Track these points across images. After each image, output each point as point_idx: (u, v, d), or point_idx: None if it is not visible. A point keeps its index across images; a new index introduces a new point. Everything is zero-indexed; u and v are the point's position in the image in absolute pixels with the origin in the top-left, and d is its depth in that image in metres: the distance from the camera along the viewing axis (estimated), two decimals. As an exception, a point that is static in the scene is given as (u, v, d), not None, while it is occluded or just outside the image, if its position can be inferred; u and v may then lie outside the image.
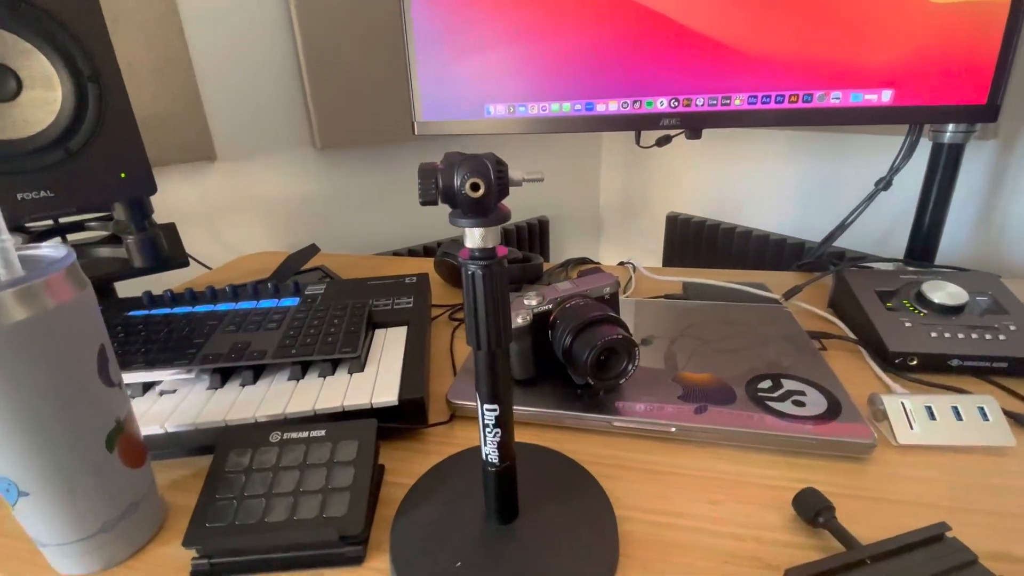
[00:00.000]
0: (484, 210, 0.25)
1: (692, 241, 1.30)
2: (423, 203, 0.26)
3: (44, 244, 0.32)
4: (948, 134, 0.65)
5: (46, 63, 0.54)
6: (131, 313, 0.54)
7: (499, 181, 0.24)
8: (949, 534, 0.32)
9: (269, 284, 0.60)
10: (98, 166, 0.57)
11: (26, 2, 0.52)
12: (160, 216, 0.69)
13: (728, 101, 0.61)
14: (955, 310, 0.53)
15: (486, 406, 0.30)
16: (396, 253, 1.19)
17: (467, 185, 0.23)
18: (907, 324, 0.53)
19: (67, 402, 0.29)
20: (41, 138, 0.54)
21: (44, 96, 0.54)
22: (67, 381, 0.29)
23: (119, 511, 0.33)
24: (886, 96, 0.58)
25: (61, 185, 0.56)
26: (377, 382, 0.44)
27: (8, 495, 0.30)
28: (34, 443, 0.29)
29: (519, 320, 0.46)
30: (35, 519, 0.31)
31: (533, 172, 0.26)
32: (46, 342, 0.28)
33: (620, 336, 0.42)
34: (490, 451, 0.31)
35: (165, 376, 0.45)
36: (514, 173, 0.25)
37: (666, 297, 0.68)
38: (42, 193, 0.55)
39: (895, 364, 0.51)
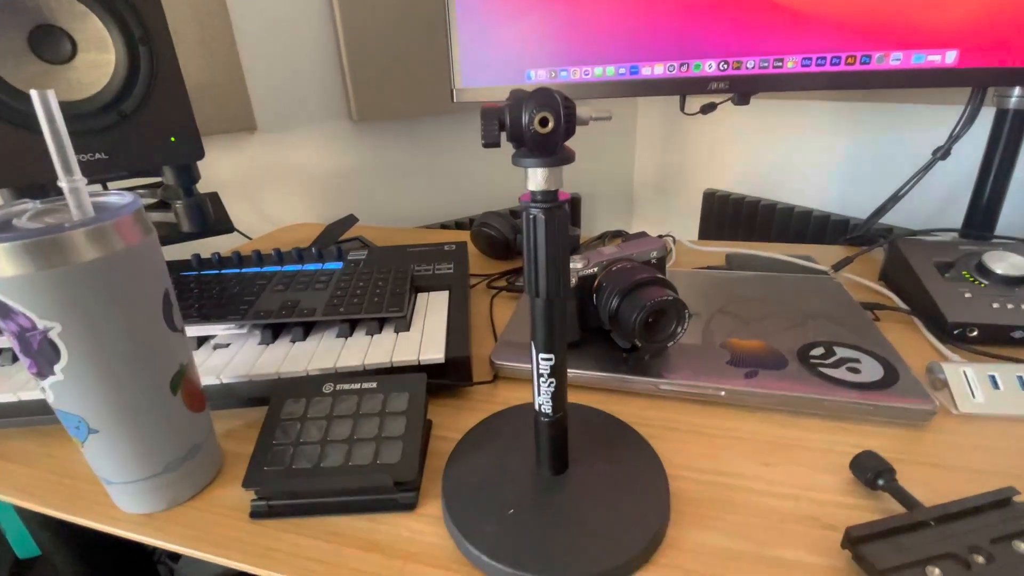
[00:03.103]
0: (551, 148, 0.24)
1: (730, 218, 1.27)
2: (486, 145, 0.25)
3: (111, 191, 0.32)
4: (1014, 99, 0.61)
5: (99, 25, 0.55)
6: (182, 273, 0.56)
7: (567, 117, 0.24)
8: (1017, 499, 0.31)
9: (313, 249, 0.61)
10: (149, 129, 0.58)
11: (81, -35, 0.53)
12: (202, 186, 0.70)
13: (780, 63, 0.58)
14: (1019, 281, 0.51)
15: (542, 355, 0.30)
16: (430, 227, 1.19)
17: (536, 120, 0.23)
18: (967, 295, 0.51)
19: (136, 342, 0.30)
20: (96, 100, 0.55)
21: (98, 58, 0.55)
22: (136, 322, 0.30)
23: (182, 452, 0.34)
24: (950, 57, 0.55)
25: (114, 147, 0.57)
26: (423, 341, 0.45)
27: (79, 432, 0.31)
28: (105, 381, 0.30)
29: (565, 282, 0.46)
30: (103, 457, 0.32)
31: (601, 111, 0.25)
32: (116, 282, 0.29)
33: (670, 297, 0.42)
34: (543, 401, 0.31)
35: (219, 330, 0.46)
36: (581, 110, 0.25)
37: (709, 268, 0.67)
38: (97, 155, 0.56)
39: (953, 335, 0.49)
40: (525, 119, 0.23)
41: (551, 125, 0.23)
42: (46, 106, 0.27)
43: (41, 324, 0.27)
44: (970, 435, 0.38)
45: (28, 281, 0.26)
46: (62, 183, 0.28)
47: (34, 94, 0.26)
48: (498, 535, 0.30)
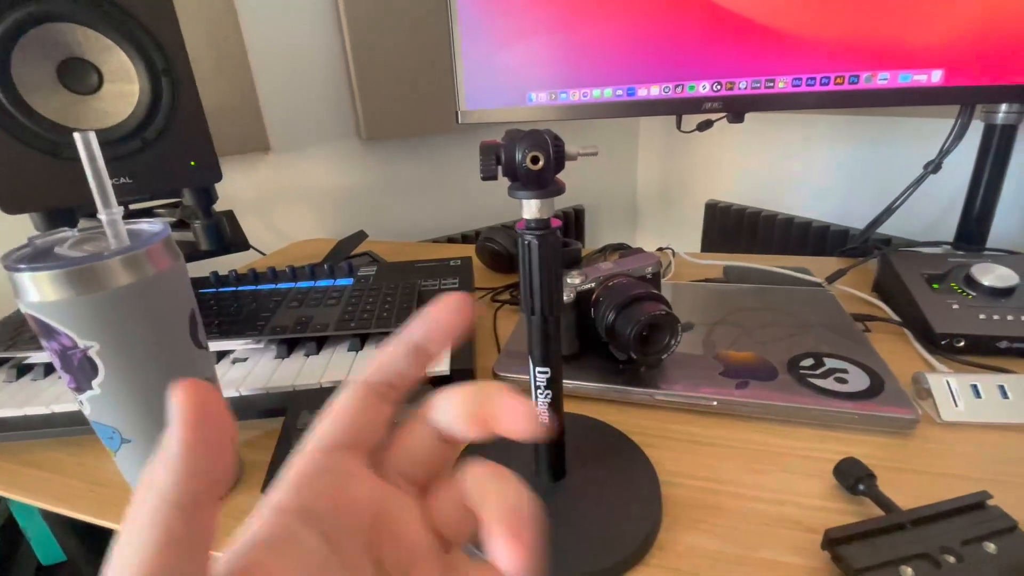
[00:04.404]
0: (542, 182, 0.27)
1: (732, 229, 1.29)
2: (484, 178, 0.28)
3: (142, 220, 0.35)
4: (1001, 115, 0.63)
5: (124, 58, 0.58)
6: (202, 291, 0.59)
7: (556, 154, 0.26)
8: (990, 502, 0.32)
9: (325, 266, 0.64)
10: (170, 155, 0.61)
11: (107, 1, 0.56)
12: (218, 204, 0.73)
13: (772, 84, 0.61)
14: (1005, 292, 0.53)
15: (538, 369, 0.32)
16: (436, 241, 1.22)
17: (528, 158, 0.25)
18: (955, 306, 0.53)
19: (166, 359, 0.33)
20: (121, 128, 0.59)
21: (123, 89, 0.59)
22: (166, 340, 0.33)
23: (206, 461, 0.36)
24: (936, 76, 0.57)
25: (137, 172, 0.60)
26: (430, 354, 0.47)
27: (112, 442, 0.34)
28: (138, 395, 0.32)
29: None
30: (135, 464, 0.35)
31: (587, 147, 0.28)
32: (148, 304, 0.31)
33: (663, 312, 0.44)
34: (541, 411, 0.33)
35: (237, 346, 0.49)
36: (569, 148, 0.27)
37: (706, 281, 0.69)
38: (121, 180, 0.59)
39: (941, 346, 0.51)
40: (519, 157, 0.26)
41: (542, 163, 0.25)
42: (88, 146, 0.30)
43: (81, 343, 0.30)
44: (951, 443, 0.40)
45: (70, 305, 0.29)
46: (101, 215, 0.31)
47: (77, 137, 0.29)
48: (499, 537, 0.32)
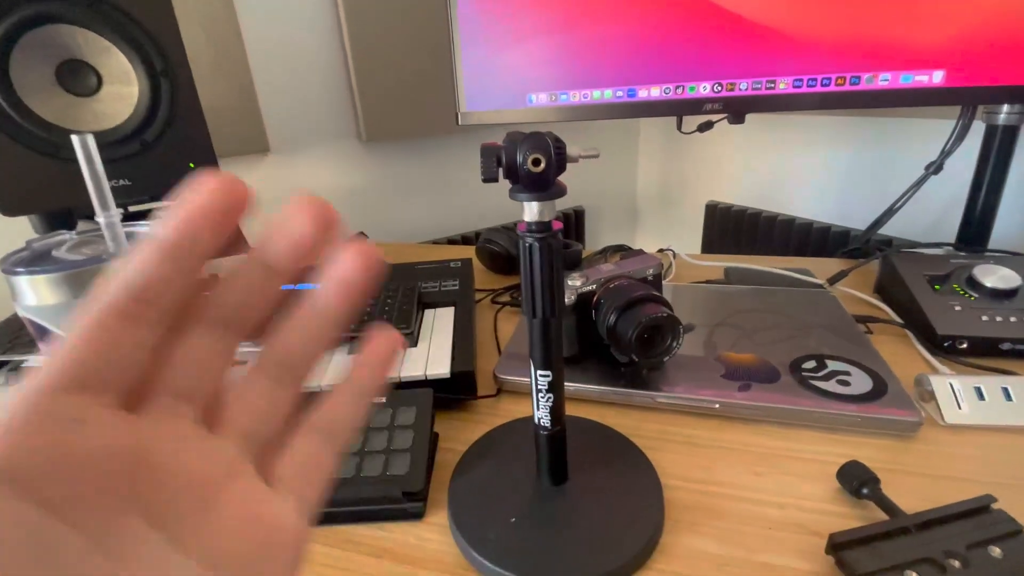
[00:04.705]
0: (544, 184, 0.26)
1: (732, 230, 1.29)
2: (485, 180, 0.28)
3: (139, 223, 0.35)
4: (1003, 115, 0.63)
5: (123, 60, 0.58)
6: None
7: (558, 156, 0.26)
8: (995, 506, 0.32)
9: (324, 267, 0.63)
10: (170, 156, 0.61)
11: (106, 2, 0.56)
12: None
13: (772, 85, 0.61)
14: (1008, 294, 0.53)
15: (539, 372, 0.32)
16: (436, 242, 1.22)
17: (529, 160, 0.25)
18: (957, 308, 0.53)
19: (164, 362, 0.32)
20: (120, 130, 0.58)
21: (122, 91, 0.59)
22: (164, 343, 0.32)
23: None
24: (937, 77, 0.57)
25: (137, 174, 0.60)
26: (430, 356, 0.47)
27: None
28: (136, 398, 0.32)
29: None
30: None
31: (589, 149, 0.28)
32: (146, 308, 0.31)
33: (664, 314, 0.44)
34: (542, 415, 0.33)
35: (236, 348, 0.49)
36: (571, 150, 0.27)
37: (707, 282, 0.68)
38: (120, 182, 0.59)
39: (944, 348, 0.51)
40: (520, 159, 0.26)
41: (543, 165, 0.25)
42: (86, 149, 0.29)
43: (79, 347, 0.30)
44: (955, 445, 0.40)
45: (67, 308, 0.29)
46: (99, 218, 0.30)
47: (75, 139, 0.29)
48: (501, 542, 0.32)
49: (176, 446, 0.14)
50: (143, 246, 0.14)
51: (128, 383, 0.14)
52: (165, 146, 0.60)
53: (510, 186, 0.28)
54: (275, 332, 0.17)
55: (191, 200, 0.14)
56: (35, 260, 0.30)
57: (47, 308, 0.29)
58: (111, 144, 0.59)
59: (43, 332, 0.29)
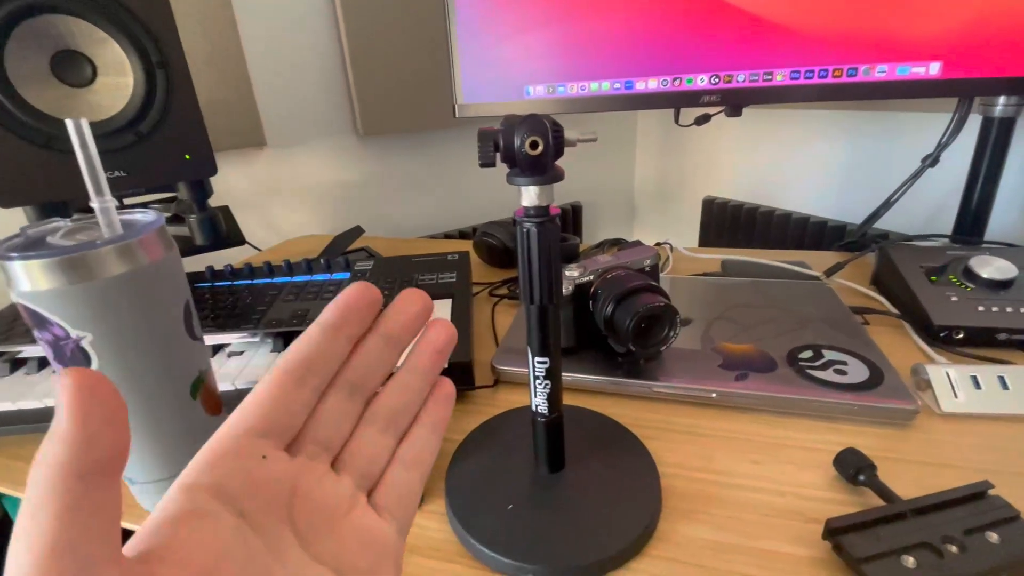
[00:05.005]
0: (541, 168, 0.26)
1: (729, 225, 1.29)
2: (482, 165, 0.28)
3: (135, 210, 0.35)
4: (999, 107, 0.63)
5: (119, 50, 0.57)
6: (197, 285, 0.58)
7: (556, 140, 0.26)
8: (992, 492, 0.32)
9: (321, 260, 0.63)
10: (165, 148, 0.61)
11: (101, -6, 0.55)
12: (213, 200, 0.73)
13: (770, 77, 0.61)
14: (1004, 284, 0.53)
15: (537, 359, 0.32)
16: (433, 237, 1.22)
17: (527, 143, 0.25)
18: (953, 298, 0.53)
19: (160, 350, 0.32)
20: (115, 122, 0.58)
21: (117, 82, 0.58)
22: (159, 331, 0.32)
23: (201, 453, 0.36)
24: (934, 69, 0.57)
25: (132, 166, 0.60)
26: (427, 347, 0.47)
27: (106, 435, 0.34)
28: (131, 386, 0.32)
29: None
30: (129, 457, 0.34)
31: (586, 132, 0.27)
32: (141, 295, 0.31)
33: (661, 303, 0.44)
34: (540, 402, 0.33)
35: (233, 339, 0.49)
36: (569, 133, 0.27)
37: (705, 275, 0.69)
38: (115, 173, 0.59)
39: (940, 338, 0.51)
40: (517, 142, 0.25)
41: (541, 148, 0.25)
42: (80, 133, 0.29)
43: (74, 333, 0.30)
44: (951, 433, 0.40)
45: (62, 294, 0.29)
46: (94, 203, 0.30)
47: (69, 123, 0.29)
48: (498, 529, 0.32)
49: (316, 482, 0.19)
50: (311, 328, 0.20)
51: (293, 432, 0.19)
52: (160, 138, 0.60)
53: (508, 171, 0.28)
54: (382, 391, 0.22)
55: (345, 296, 0.20)
56: (30, 246, 0.30)
57: (41, 294, 0.28)
58: (106, 135, 0.58)
59: (37, 318, 0.29)
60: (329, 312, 0.20)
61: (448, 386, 0.24)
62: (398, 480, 0.21)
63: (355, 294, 0.20)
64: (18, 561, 0.12)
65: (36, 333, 0.30)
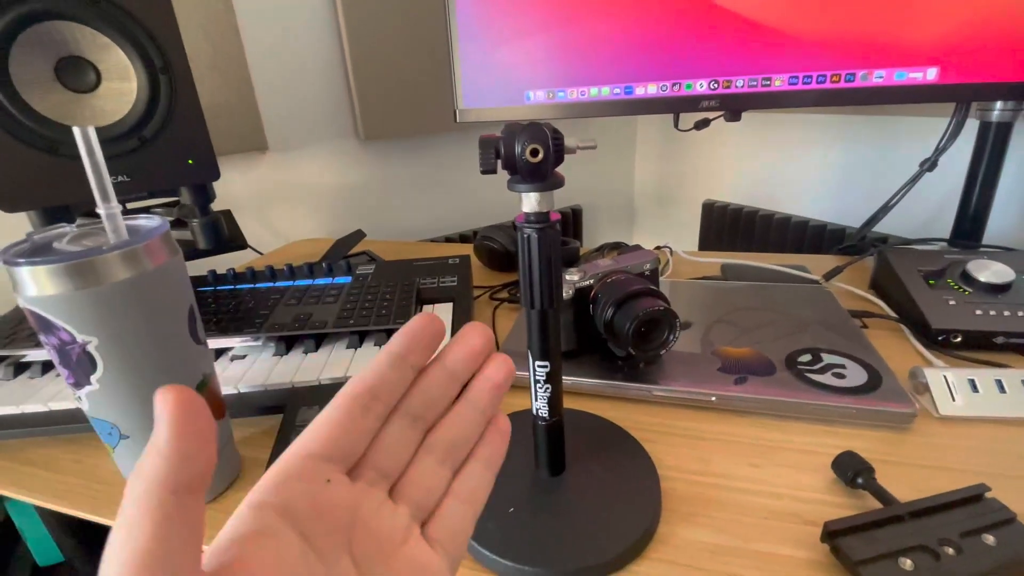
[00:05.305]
0: (542, 175, 0.27)
1: (729, 228, 1.30)
2: (483, 172, 0.28)
3: (140, 216, 0.35)
4: (996, 112, 0.64)
5: (122, 56, 0.58)
6: (200, 289, 0.58)
7: (556, 147, 0.26)
8: (988, 494, 0.32)
9: (323, 264, 0.64)
10: (168, 153, 0.61)
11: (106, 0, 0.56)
12: (216, 204, 0.73)
13: (768, 82, 0.61)
14: (1001, 288, 0.53)
15: (537, 363, 0.32)
16: (434, 240, 1.22)
17: (527, 151, 0.25)
18: (951, 302, 0.53)
19: (164, 354, 0.33)
20: (118, 127, 0.59)
21: (121, 87, 0.59)
22: (164, 335, 0.32)
23: (204, 457, 0.36)
24: (931, 74, 0.57)
25: (135, 170, 0.60)
26: (428, 351, 0.47)
27: (111, 438, 0.34)
28: (136, 390, 0.32)
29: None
30: (133, 460, 0.35)
31: (586, 139, 0.28)
32: (146, 299, 0.31)
33: (661, 307, 0.44)
34: (540, 406, 0.33)
35: (236, 343, 0.49)
36: (568, 140, 0.27)
37: (704, 279, 0.69)
38: (119, 178, 0.59)
39: (938, 341, 0.51)
40: (518, 150, 0.26)
41: (541, 155, 0.25)
42: (87, 140, 0.29)
43: (80, 338, 0.30)
44: (949, 436, 0.40)
45: (68, 299, 0.29)
46: (100, 209, 0.31)
47: (76, 130, 0.29)
48: (499, 532, 0.32)
49: (375, 510, 0.19)
50: (380, 356, 0.20)
51: (355, 458, 0.19)
52: (164, 142, 0.61)
53: (508, 178, 0.28)
54: (441, 422, 0.22)
55: (411, 327, 0.20)
56: (36, 252, 0.31)
57: (47, 299, 0.29)
58: (109, 140, 0.59)
59: (44, 323, 0.30)
60: (396, 341, 0.20)
61: (504, 423, 0.24)
62: (452, 514, 0.21)
63: (420, 325, 0.21)
64: (115, 569, 0.13)
65: (42, 338, 0.31)
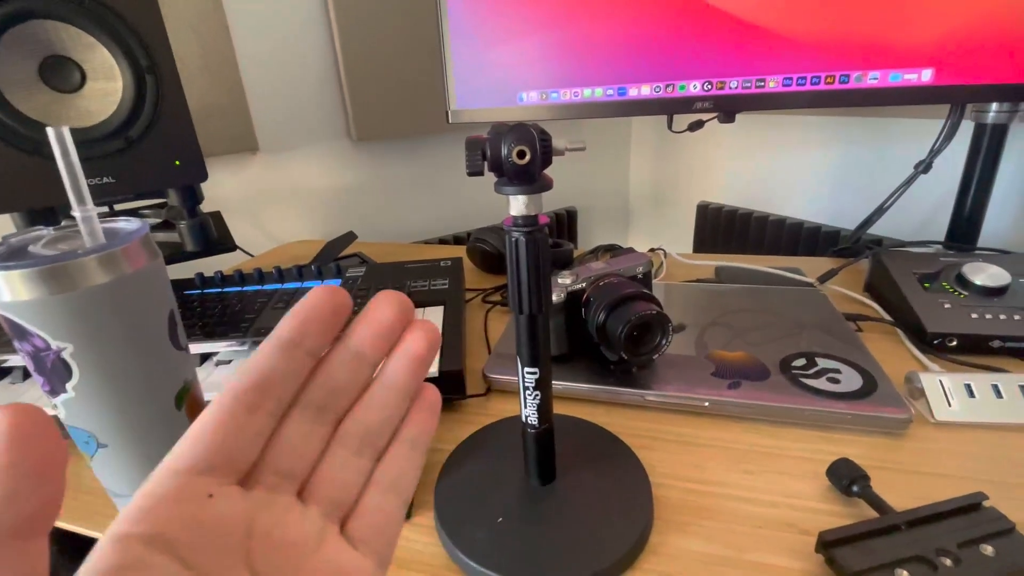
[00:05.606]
0: (529, 177, 0.26)
1: (723, 230, 1.29)
2: (470, 174, 0.27)
3: (119, 218, 0.34)
4: (991, 114, 0.63)
5: (108, 56, 0.57)
6: (186, 292, 0.57)
7: (543, 149, 0.25)
8: (986, 503, 0.32)
9: (312, 267, 0.63)
10: (155, 154, 0.60)
11: (90, -1, 0.55)
12: (205, 205, 0.72)
13: (762, 84, 0.61)
14: (997, 292, 0.53)
15: (527, 369, 0.32)
16: (427, 242, 1.21)
17: (514, 152, 0.25)
18: (946, 305, 0.53)
19: (143, 361, 0.32)
20: (103, 127, 0.58)
21: (106, 87, 0.58)
22: (142, 341, 0.32)
23: (186, 465, 0.35)
24: (926, 76, 0.57)
25: (121, 171, 0.59)
26: (418, 355, 0.46)
27: (88, 447, 0.33)
28: (114, 398, 0.31)
29: (552, 298, 0.47)
30: (111, 470, 0.34)
31: (575, 141, 0.27)
32: (124, 304, 0.30)
33: (654, 311, 0.43)
34: (530, 413, 0.33)
35: (221, 348, 0.48)
36: (557, 142, 0.27)
37: (698, 281, 0.68)
38: (104, 179, 0.58)
39: (933, 345, 0.51)
40: (504, 152, 0.25)
41: (528, 157, 0.25)
42: (61, 142, 0.29)
43: (55, 344, 0.29)
44: (945, 442, 0.40)
45: (42, 304, 0.28)
46: (75, 212, 0.30)
47: (50, 131, 0.28)
48: (488, 542, 0.32)
49: (278, 517, 0.17)
50: (264, 345, 0.17)
51: (246, 465, 0.17)
52: (150, 143, 0.60)
53: (495, 180, 0.27)
54: (353, 409, 0.19)
55: (303, 305, 0.18)
56: (11, 256, 0.30)
57: (21, 304, 0.28)
58: (95, 141, 0.58)
59: (18, 329, 0.29)
60: (285, 325, 0.17)
61: (432, 394, 0.21)
62: (375, 507, 0.19)
63: (316, 301, 0.18)
64: None
65: (16, 344, 0.30)
